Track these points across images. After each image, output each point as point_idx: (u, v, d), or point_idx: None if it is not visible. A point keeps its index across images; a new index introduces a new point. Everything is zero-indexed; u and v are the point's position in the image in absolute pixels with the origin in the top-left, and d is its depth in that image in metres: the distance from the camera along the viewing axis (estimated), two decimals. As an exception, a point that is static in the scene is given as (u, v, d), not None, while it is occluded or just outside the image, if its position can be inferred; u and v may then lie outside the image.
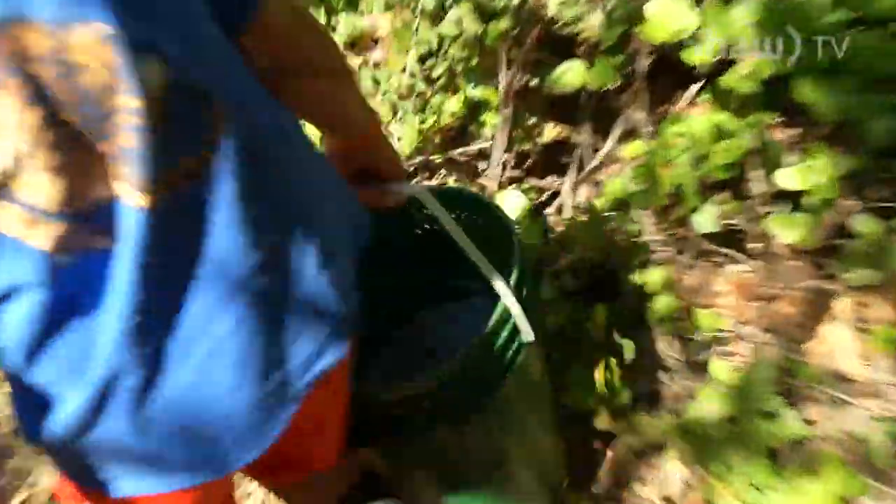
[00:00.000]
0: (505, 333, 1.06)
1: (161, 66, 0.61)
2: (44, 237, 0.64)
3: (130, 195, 0.64)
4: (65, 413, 0.71)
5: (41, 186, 0.62)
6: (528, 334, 1.08)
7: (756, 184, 1.40)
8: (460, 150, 1.98)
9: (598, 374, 1.46)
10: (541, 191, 1.88)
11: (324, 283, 0.81)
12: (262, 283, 0.74)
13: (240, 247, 0.71)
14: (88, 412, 0.70)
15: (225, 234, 0.70)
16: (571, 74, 1.64)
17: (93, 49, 0.57)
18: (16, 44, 0.56)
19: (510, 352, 1.08)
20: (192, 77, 0.64)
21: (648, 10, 1.44)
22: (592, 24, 1.64)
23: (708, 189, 1.44)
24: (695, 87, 1.62)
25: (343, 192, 0.94)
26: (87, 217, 0.65)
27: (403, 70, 2.02)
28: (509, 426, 1.19)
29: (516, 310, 1.05)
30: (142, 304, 0.67)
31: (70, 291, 0.67)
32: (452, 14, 1.87)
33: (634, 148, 1.57)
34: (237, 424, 0.78)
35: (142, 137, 0.62)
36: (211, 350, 0.73)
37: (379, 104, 2.06)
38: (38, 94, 0.58)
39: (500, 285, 1.06)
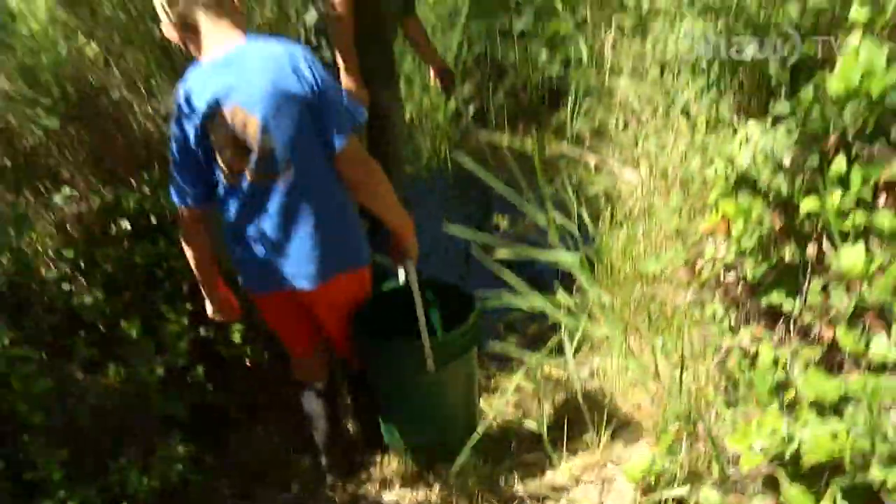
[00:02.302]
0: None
1: (273, 142, 2.08)
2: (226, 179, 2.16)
3: (249, 174, 2.12)
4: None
5: (229, 163, 2.13)
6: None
7: None
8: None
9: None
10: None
11: (340, 233, 2.28)
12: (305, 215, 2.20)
13: (287, 201, 2.17)
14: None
15: (285, 198, 2.15)
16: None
17: (253, 125, 2.05)
18: (232, 116, 2.05)
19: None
20: (283, 150, 2.09)
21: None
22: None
23: None
24: None
25: (346, 232, 2.31)
26: (239, 176, 2.13)
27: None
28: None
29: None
30: (253, 207, 2.18)
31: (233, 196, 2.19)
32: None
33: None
34: (309, 267, 2.24)
35: (256, 159, 2.09)
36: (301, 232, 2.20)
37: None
38: (235, 133, 2.07)
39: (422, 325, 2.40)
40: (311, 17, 3.35)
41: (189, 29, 2.05)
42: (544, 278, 3.55)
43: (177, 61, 2.98)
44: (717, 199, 2.00)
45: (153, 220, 2.87)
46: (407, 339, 2.46)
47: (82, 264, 2.65)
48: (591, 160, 3.74)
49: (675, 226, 2.58)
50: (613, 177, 3.64)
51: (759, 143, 1.86)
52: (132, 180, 2.94)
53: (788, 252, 1.92)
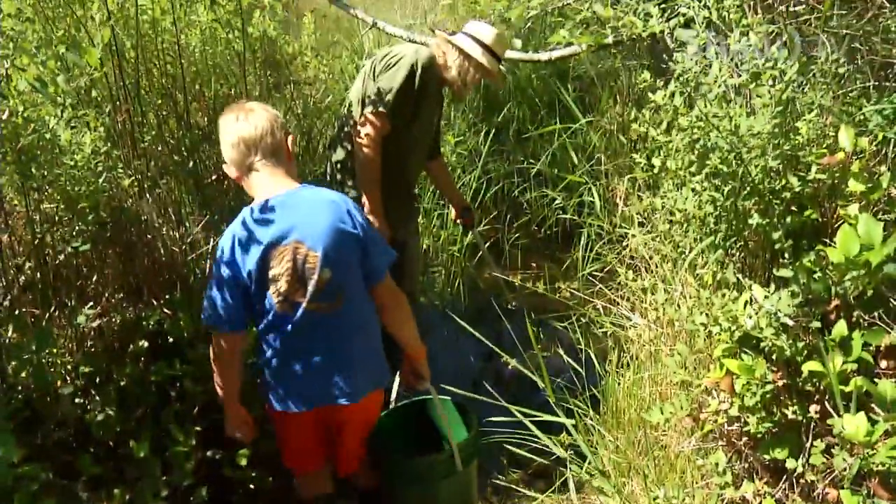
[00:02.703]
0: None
1: (331, 274, 2.30)
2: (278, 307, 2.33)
3: (306, 302, 2.32)
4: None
5: (284, 292, 2.30)
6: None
7: None
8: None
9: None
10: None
11: (373, 355, 2.53)
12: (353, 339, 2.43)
13: (336, 326, 2.39)
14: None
15: (332, 322, 2.37)
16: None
17: (314, 259, 2.28)
18: (293, 250, 2.27)
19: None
20: (338, 281, 2.32)
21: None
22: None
23: None
24: None
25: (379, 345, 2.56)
26: (293, 304, 2.32)
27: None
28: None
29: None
30: (304, 332, 2.36)
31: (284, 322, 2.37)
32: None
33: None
34: (351, 385, 2.42)
35: (313, 289, 2.30)
36: (347, 354, 2.43)
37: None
38: (295, 266, 2.28)
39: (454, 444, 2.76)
40: (339, 154, 3.52)
41: (248, 172, 2.32)
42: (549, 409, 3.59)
43: (206, 193, 3.13)
44: (722, 357, 2.06)
45: (170, 341, 2.94)
46: (438, 451, 2.86)
47: (98, 380, 2.70)
48: (601, 302, 3.83)
49: (679, 377, 2.62)
50: (621, 320, 3.71)
51: (764, 305, 1.94)
52: (154, 301, 3.03)
53: (790, 411, 1.96)
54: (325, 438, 2.66)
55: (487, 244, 5.20)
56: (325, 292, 2.31)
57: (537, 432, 3.03)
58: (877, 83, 2.33)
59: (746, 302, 2.08)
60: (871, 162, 2.27)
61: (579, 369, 3.50)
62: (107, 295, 2.90)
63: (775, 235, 2.07)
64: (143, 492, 2.34)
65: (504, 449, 3.59)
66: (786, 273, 1.99)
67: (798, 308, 1.94)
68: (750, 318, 1.93)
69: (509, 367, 4.39)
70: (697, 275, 2.48)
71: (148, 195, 2.89)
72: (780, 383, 1.99)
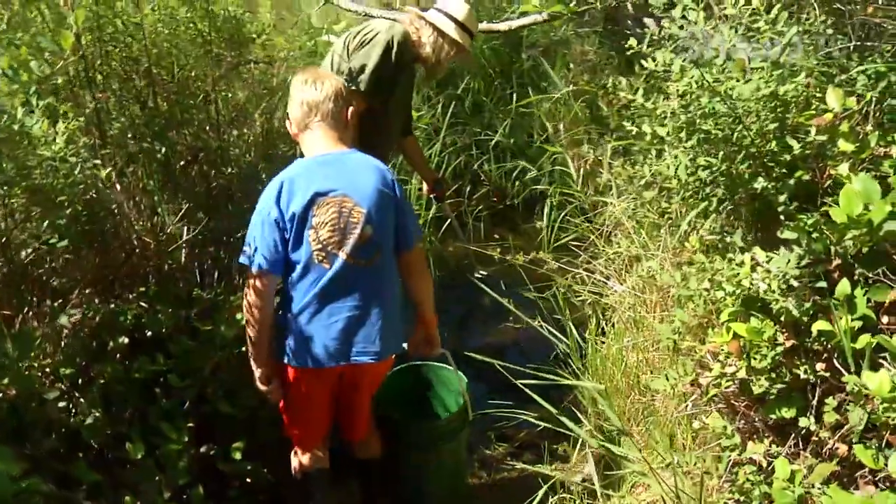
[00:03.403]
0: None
1: (372, 232, 2.42)
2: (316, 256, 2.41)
3: (344, 255, 2.41)
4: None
5: (325, 241, 2.39)
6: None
7: None
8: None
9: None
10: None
11: (398, 318, 2.58)
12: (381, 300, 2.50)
13: (369, 283, 2.46)
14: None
15: (367, 279, 2.45)
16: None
17: (359, 214, 2.40)
18: (339, 203, 2.39)
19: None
20: (377, 241, 2.44)
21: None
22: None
23: None
24: None
25: (400, 309, 2.61)
26: (330, 255, 2.40)
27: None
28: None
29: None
30: (339, 285, 2.43)
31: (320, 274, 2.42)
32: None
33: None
34: (377, 344, 2.49)
35: (354, 243, 2.40)
36: (376, 313, 2.49)
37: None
38: (340, 217, 2.40)
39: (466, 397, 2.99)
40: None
41: (305, 130, 2.50)
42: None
43: (178, 181, 3.02)
44: (729, 321, 2.07)
45: (149, 335, 2.84)
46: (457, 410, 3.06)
47: (80, 381, 2.60)
48: (580, 271, 3.84)
49: (669, 343, 2.63)
50: (599, 288, 3.73)
51: (771, 268, 1.95)
52: (129, 295, 2.92)
53: (802, 370, 1.98)
54: (332, 406, 2.72)
55: (448, 221, 5.17)
56: (365, 248, 2.41)
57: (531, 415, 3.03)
58: (858, 43, 2.35)
59: (749, 266, 2.10)
60: (856, 122, 2.30)
61: (563, 338, 3.50)
62: (78, 291, 2.77)
63: (781, 198, 2.09)
64: (150, 494, 2.26)
65: (489, 423, 3.61)
66: (790, 234, 2.01)
67: (802, 269, 1.96)
68: (763, 280, 1.94)
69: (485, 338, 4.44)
70: (692, 240, 2.49)
71: (118, 185, 2.77)
72: (789, 344, 2.01)
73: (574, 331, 3.60)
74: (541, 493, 2.66)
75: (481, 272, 4.85)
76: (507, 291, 4.47)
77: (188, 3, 3.01)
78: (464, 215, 5.44)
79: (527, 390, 2.86)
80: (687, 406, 2.60)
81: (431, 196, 4.09)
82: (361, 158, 2.49)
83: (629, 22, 4.11)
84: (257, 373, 2.58)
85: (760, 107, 2.08)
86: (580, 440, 3.44)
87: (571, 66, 5.93)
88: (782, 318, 2.02)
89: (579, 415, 3.50)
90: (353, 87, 3.16)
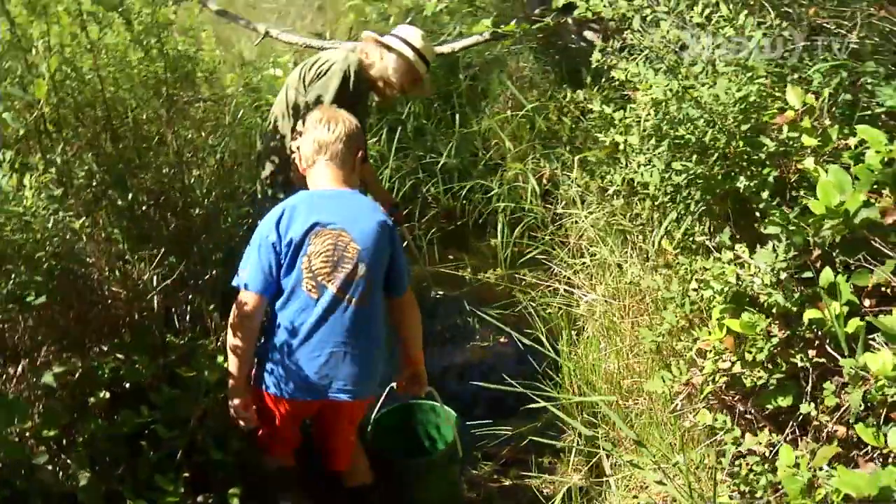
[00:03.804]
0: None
1: (365, 270, 2.45)
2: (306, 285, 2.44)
3: (334, 288, 2.43)
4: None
5: (316, 271, 2.43)
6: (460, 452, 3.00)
7: None
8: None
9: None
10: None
11: (381, 359, 2.59)
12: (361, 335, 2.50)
13: (356, 322, 2.47)
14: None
15: (354, 317, 2.46)
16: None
17: (354, 251, 2.44)
18: (336, 236, 2.43)
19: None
20: (368, 279, 2.46)
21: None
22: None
23: None
24: None
25: (384, 352, 2.63)
26: (320, 286, 2.43)
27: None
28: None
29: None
30: (325, 319, 2.45)
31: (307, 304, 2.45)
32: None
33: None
34: (356, 385, 2.50)
35: (344, 277, 2.42)
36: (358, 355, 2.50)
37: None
38: (335, 248, 2.43)
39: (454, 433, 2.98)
40: (267, 170, 3.41)
41: (312, 166, 2.58)
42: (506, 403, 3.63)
43: (144, 227, 2.96)
44: (721, 318, 2.14)
45: (127, 387, 2.76)
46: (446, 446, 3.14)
47: (63, 442, 2.50)
48: (546, 283, 3.89)
49: (652, 346, 2.69)
50: (568, 300, 3.78)
51: (758, 263, 2.02)
52: (103, 347, 2.83)
53: (798, 358, 2.06)
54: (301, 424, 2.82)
55: (405, 242, 5.16)
56: (355, 285, 2.44)
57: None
58: (808, 44, 2.47)
59: (732, 263, 2.17)
60: (815, 118, 2.41)
61: (541, 349, 3.54)
62: (54, 348, 2.68)
63: (763, 194, 2.17)
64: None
65: (472, 442, 3.61)
66: (773, 229, 2.09)
67: (789, 262, 2.04)
68: (754, 275, 2.01)
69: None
70: (665, 244, 2.56)
71: (84, 236, 2.69)
72: (783, 335, 2.08)
73: (547, 343, 3.64)
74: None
75: (438, 293, 4.87)
76: (472, 310, 4.50)
77: (138, 46, 2.95)
78: (417, 239, 5.44)
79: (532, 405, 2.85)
80: (677, 406, 2.66)
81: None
82: (364, 200, 2.59)
83: (572, 36, 4.21)
84: (235, 402, 2.57)
85: (731, 109, 2.16)
86: (566, 451, 3.49)
87: (509, 83, 6.02)
88: (774, 311, 2.09)
89: (563, 426, 3.56)
90: None
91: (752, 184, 2.17)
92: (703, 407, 2.53)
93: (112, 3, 2.83)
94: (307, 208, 2.45)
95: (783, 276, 2.03)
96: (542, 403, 2.70)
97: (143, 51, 2.95)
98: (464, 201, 5.70)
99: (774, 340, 2.05)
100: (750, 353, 2.09)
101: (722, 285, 2.12)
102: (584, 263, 3.50)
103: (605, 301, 3.31)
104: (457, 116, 5.88)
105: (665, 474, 2.09)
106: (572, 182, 3.66)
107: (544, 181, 4.21)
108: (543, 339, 3.64)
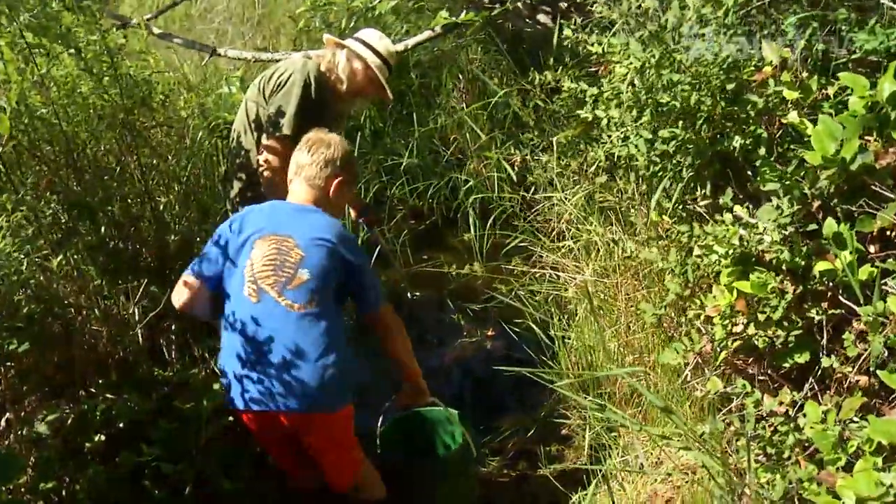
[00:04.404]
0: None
1: (308, 277, 2.39)
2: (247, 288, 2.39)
3: (275, 293, 2.37)
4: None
5: (256, 274, 2.39)
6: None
7: None
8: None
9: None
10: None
11: (331, 375, 2.38)
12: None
13: (299, 330, 2.36)
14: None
15: (297, 325, 2.36)
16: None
17: (297, 256, 2.40)
18: (280, 241, 2.42)
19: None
20: (312, 287, 2.38)
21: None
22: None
23: None
24: None
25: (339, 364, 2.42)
26: (260, 291, 2.38)
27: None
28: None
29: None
30: (265, 326, 2.35)
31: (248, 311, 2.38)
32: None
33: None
34: (298, 396, 2.35)
35: (285, 283, 2.38)
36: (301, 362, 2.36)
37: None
38: (279, 253, 2.41)
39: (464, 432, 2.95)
40: (235, 189, 3.31)
41: (291, 183, 2.63)
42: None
43: (119, 260, 2.85)
44: (730, 281, 2.11)
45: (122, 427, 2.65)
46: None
47: (63, 493, 2.39)
48: (527, 272, 3.85)
49: (653, 319, 2.66)
50: (555, 284, 3.75)
51: (762, 221, 2.00)
52: (91, 389, 2.71)
53: (815, 312, 2.04)
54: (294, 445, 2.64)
55: (378, 247, 5.08)
56: (297, 292, 2.37)
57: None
58: (773, -1, 2.46)
59: (733, 225, 2.15)
60: (794, 72, 2.40)
61: (533, 336, 3.50)
62: (40, 394, 2.56)
63: (761, 152, 2.15)
64: None
65: (477, 440, 3.55)
66: (772, 186, 2.07)
67: (794, 216, 2.02)
68: (763, 234, 1.98)
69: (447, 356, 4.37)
70: (654, 215, 2.53)
71: (59, 274, 2.57)
72: (797, 291, 2.06)
73: (538, 330, 3.60)
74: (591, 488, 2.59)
75: (415, 294, 4.79)
76: (455, 307, 4.45)
77: (89, 75, 2.83)
78: (389, 242, 5.36)
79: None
80: (686, 377, 2.63)
81: (360, 221, 4.00)
82: (324, 217, 2.52)
83: (527, 20, 4.17)
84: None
85: (714, 70, 2.14)
86: (572, 436, 3.46)
87: (461, 76, 5.97)
88: (783, 268, 2.07)
89: (566, 413, 3.52)
90: (277, 133, 3.07)
91: (747, 142, 2.15)
92: (714, 374, 2.52)
93: (56, 34, 2.72)
94: (261, 214, 2.50)
95: (789, 230, 2.00)
96: (556, 384, 2.62)
97: (96, 79, 2.84)
98: (430, 199, 5.64)
99: (788, 297, 2.02)
100: (763, 313, 2.07)
101: (726, 248, 2.09)
102: (568, 246, 3.46)
103: (596, 280, 3.27)
104: (414, 115, 5.80)
105: (698, 444, 2.05)
106: (545, 166, 3.61)
107: (516, 168, 4.16)
108: (535, 327, 3.60)
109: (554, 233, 3.75)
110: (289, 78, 3.12)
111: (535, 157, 3.98)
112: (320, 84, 3.16)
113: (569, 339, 3.53)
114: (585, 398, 3.15)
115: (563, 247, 3.57)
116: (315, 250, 2.40)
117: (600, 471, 3.12)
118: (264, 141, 3.14)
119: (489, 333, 4.32)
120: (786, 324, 2.07)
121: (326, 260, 2.41)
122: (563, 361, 3.53)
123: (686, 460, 2.79)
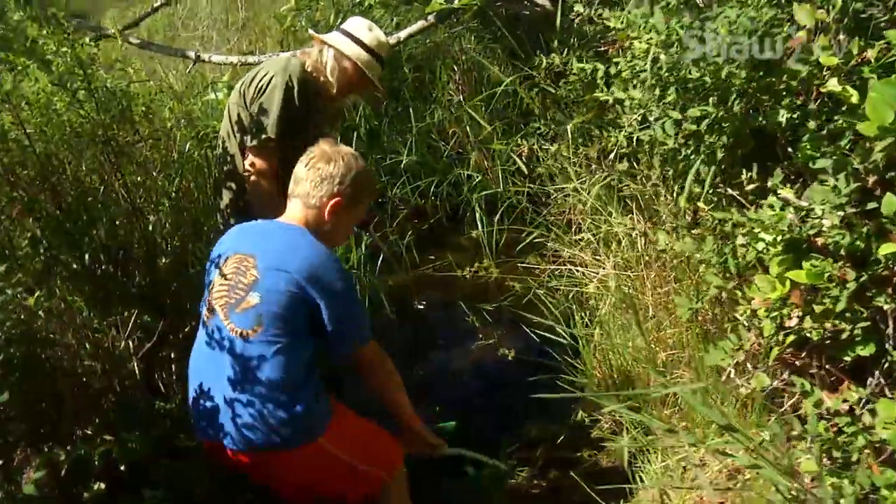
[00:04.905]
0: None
1: (258, 302, 2.14)
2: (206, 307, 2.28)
3: (222, 314, 2.19)
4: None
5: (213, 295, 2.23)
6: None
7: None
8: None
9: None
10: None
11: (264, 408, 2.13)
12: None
13: (245, 359, 2.15)
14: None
15: (243, 352, 2.14)
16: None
17: (252, 277, 2.18)
18: (242, 260, 2.23)
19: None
20: (261, 313, 2.14)
21: None
22: None
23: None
24: None
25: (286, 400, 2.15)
26: (212, 311, 2.23)
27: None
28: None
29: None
30: (213, 350, 2.20)
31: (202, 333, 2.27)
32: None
33: None
34: (240, 430, 2.14)
35: (233, 305, 2.18)
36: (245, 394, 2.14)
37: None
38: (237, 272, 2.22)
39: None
40: (226, 199, 3.12)
41: (289, 198, 2.37)
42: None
43: (108, 288, 2.64)
44: (782, 271, 1.90)
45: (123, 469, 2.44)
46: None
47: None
48: (542, 268, 3.64)
49: (688, 313, 2.46)
50: (574, 280, 3.53)
51: (816, 203, 1.79)
52: (88, 431, 2.51)
53: (883, 300, 1.83)
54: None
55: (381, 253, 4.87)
56: (243, 316, 2.15)
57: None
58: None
59: (781, 209, 1.93)
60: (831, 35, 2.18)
61: (553, 336, 3.29)
62: (29, 445, 2.35)
63: (810, 125, 1.93)
64: None
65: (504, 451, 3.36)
66: (824, 163, 1.85)
67: (852, 194, 1.81)
68: (823, 217, 1.77)
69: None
70: (681, 201, 2.31)
71: (41, 312, 2.37)
72: (855, 278, 1.85)
73: (559, 330, 3.40)
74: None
75: (422, 303, 4.58)
76: (469, 308, 4.25)
77: (62, 90, 2.62)
78: (393, 245, 5.15)
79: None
80: (730, 374, 2.43)
81: (357, 227, 3.79)
82: (305, 239, 2.24)
83: (526, 2, 3.96)
84: None
85: (748, 40, 1.93)
86: (604, 440, 3.26)
87: (455, 68, 5.76)
88: (842, 253, 1.86)
89: (596, 415, 3.32)
90: (259, 142, 2.87)
91: (794, 115, 1.93)
92: (759, 371, 2.31)
93: (23, 49, 2.52)
94: (237, 234, 2.35)
95: (848, 211, 1.79)
96: (585, 390, 2.41)
97: (69, 94, 2.63)
98: (433, 197, 5.43)
99: (851, 286, 1.81)
100: (821, 304, 1.86)
101: (776, 234, 1.88)
102: (587, 239, 3.25)
103: (618, 275, 3.06)
104: (410, 111, 5.59)
105: (761, 456, 1.84)
106: (556, 155, 3.40)
107: (523, 159, 3.95)
108: (556, 326, 3.40)
109: (572, 227, 3.54)
110: (269, 81, 2.91)
111: (543, 147, 3.76)
112: (305, 85, 2.95)
113: (592, 337, 3.32)
114: (619, 404, 2.95)
115: (581, 240, 3.35)
116: (272, 274, 2.16)
117: (640, 478, 2.93)
118: (248, 155, 2.94)
119: (504, 335, 4.12)
120: (848, 315, 1.86)
121: (283, 286, 2.14)
122: (588, 361, 3.33)
123: (731, 462, 2.60)
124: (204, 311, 2.27)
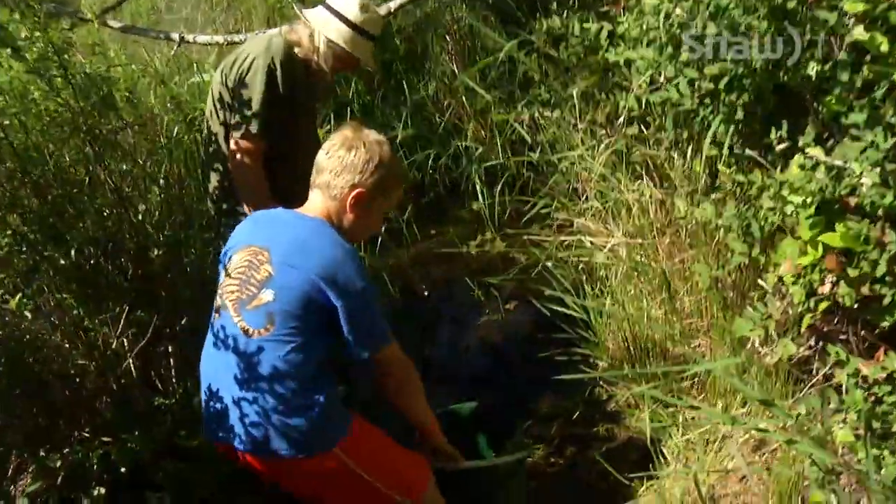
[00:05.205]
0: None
1: (273, 298, 2.02)
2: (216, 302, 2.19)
3: (233, 310, 2.08)
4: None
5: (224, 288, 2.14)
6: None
7: None
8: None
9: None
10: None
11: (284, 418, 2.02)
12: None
13: (253, 358, 2.03)
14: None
15: (253, 350, 2.02)
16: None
17: (266, 272, 2.04)
18: (256, 253, 2.09)
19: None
20: (273, 311, 2.02)
21: None
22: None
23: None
24: None
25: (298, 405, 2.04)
26: (222, 306, 2.12)
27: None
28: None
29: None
30: (218, 345, 2.11)
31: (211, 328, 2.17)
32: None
33: None
34: (248, 433, 2.03)
35: (244, 301, 2.07)
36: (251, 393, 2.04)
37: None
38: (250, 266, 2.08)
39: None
40: (213, 181, 3.03)
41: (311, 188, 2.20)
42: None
43: (98, 283, 2.52)
44: (815, 234, 1.78)
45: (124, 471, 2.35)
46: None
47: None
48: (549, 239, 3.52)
49: (707, 283, 2.34)
50: (581, 251, 3.41)
51: (849, 160, 1.66)
52: (81, 433, 2.41)
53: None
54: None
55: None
56: (254, 313, 2.03)
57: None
58: None
59: (810, 169, 1.81)
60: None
61: (563, 309, 3.18)
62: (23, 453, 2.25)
63: (844, 77, 1.80)
64: None
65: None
66: (857, 118, 1.72)
67: (890, 151, 1.68)
68: (865, 177, 1.64)
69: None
70: (696, 164, 2.19)
71: (28, 313, 2.25)
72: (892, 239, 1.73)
73: (569, 301, 3.28)
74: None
75: (424, 291, 4.45)
76: (475, 282, 4.13)
77: (38, 77, 2.47)
78: (394, 221, 5.02)
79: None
80: (754, 343, 2.31)
81: None
82: (325, 233, 2.10)
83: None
84: None
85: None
86: (622, 415, 3.16)
87: (447, 37, 5.59)
88: (879, 213, 1.73)
89: (612, 389, 3.22)
90: (249, 128, 2.76)
91: (825, 68, 1.80)
92: (786, 338, 2.19)
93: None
94: (251, 224, 2.24)
95: (889, 168, 1.66)
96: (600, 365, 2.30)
97: (46, 82, 2.48)
98: (430, 171, 5.29)
99: (892, 248, 1.69)
100: (857, 268, 1.73)
101: (806, 196, 1.75)
102: (595, 207, 3.12)
103: (629, 243, 2.94)
104: (404, 84, 5.43)
105: (797, 430, 1.74)
106: (559, 122, 3.26)
107: (524, 127, 3.80)
108: (566, 298, 3.28)
109: (581, 195, 3.40)
110: (251, 64, 2.77)
111: (545, 115, 3.61)
112: (290, 64, 2.81)
113: (604, 307, 3.20)
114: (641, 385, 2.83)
115: (589, 208, 3.22)
116: (286, 270, 2.02)
117: (660, 452, 2.83)
118: (231, 142, 2.82)
119: (511, 309, 4.01)
120: (888, 279, 1.73)
121: (298, 284, 2.01)
122: (601, 334, 3.22)
123: (755, 433, 2.50)
124: (216, 304, 2.16)
